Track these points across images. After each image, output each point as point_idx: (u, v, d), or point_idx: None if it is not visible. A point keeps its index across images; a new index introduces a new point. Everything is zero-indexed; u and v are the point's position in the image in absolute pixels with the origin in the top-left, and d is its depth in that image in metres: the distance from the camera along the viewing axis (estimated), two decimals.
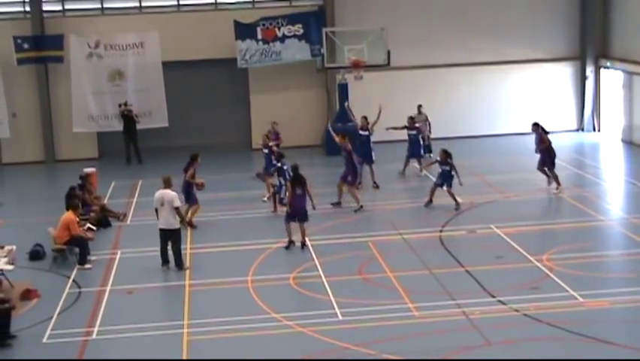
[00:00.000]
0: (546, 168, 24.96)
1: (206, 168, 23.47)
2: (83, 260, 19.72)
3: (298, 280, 18.35)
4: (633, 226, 21.27)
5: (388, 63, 31.35)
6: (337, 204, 24.02)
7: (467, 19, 33.43)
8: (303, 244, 20.42)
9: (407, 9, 33.21)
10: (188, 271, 19.10)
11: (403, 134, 27.80)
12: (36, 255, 20.37)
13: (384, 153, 28.28)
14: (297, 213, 20.43)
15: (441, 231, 21.47)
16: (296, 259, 19.72)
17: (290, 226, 20.51)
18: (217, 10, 32.95)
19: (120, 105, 31.94)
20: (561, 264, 18.51)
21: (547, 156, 24.89)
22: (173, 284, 18.64)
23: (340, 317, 16.06)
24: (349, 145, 24.18)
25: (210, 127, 33.25)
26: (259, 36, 32.01)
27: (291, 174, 21.10)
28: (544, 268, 18.28)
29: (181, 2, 32.95)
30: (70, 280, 18.82)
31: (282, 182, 22.80)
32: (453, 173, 23.48)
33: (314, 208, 20.81)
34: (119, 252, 20.84)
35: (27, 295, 17.70)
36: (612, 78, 33.15)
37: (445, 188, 23.52)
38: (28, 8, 32.18)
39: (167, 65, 32.01)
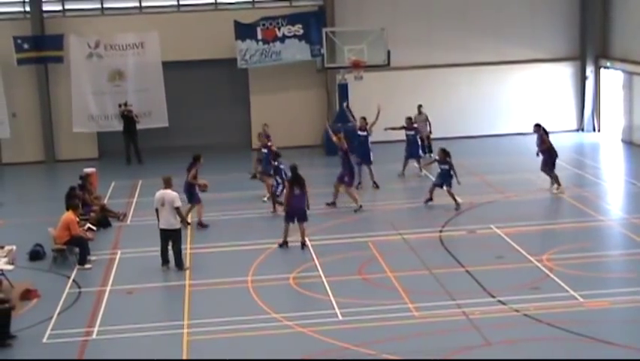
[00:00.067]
0: (547, 169, 24.98)
1: (206, 168, 23.45)
2: (82, 260, 19.71)
3: (298, 280, 18.34)
4: (633, 226, 21.26)
5: (388, 63, 31.34)
6: (332, 204, 23.99)
7: (467, 19, 33.42)
8: (303, 244, 20.40)
9: (407, 9, 33.20)
10: (188, 271, 19.09)
11: (402, 135, 27.78)
12: (36, 255, 20.36)
13: (383, 153, 28.28)
14: (296, 214, 20.39)
15: (441, 231, 21.46)
16: (296, 259, 19.70)
17: (288, 226, 20.49)
18: (217, 10, 32.95)
19: (120, 105, 31.93)
20: (561, 264, 18.50)
21: (548, 156, 24.90)
22: (173, 284, 18.63)
23: (340, 317, 16.05)
24: (345, 144, 24.19)
25: (210, 127, 33.22)
26: (259, 36, 32.01)
27: (288, 173, 21.05)
28: (544, 268, 18.27)
29: (181, 2, 32.95)
30: (70, 280, 18.81)
31: (279, 181, 22.76)
32: (452, 172, 23.50)
33: (307, 208, 20.65)
34: (119, 252, 20.84)
35: (27, 295, 17.68)
36: (612, 78, 33.13)
37: (445, 188, 23.53)
38: (28, 8, 32.18)
39: (167, 65, 32.01)
